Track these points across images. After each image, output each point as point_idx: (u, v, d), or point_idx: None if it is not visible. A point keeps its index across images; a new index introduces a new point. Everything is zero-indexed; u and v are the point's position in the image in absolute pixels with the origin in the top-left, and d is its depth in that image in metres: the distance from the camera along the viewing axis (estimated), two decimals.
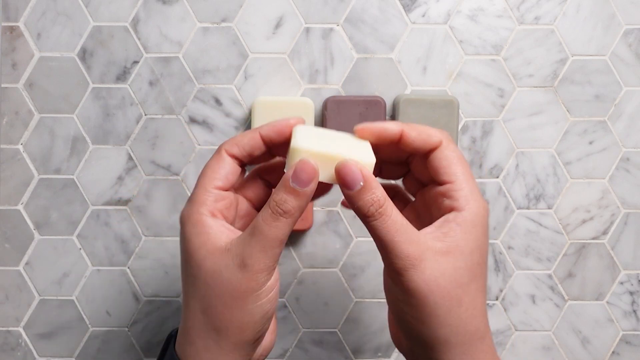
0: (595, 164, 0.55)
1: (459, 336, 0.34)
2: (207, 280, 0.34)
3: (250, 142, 0.36)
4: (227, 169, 0.36)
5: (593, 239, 0.55)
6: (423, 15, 0.54)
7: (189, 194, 0.53)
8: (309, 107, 0.52)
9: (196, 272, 0.35)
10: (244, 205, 0.39)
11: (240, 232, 0.36)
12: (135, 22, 0.54)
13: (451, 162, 0.36)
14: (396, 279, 0.34)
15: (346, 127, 0.51)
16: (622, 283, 0.55)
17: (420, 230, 0.35)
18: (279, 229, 0.34)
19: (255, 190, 0.39)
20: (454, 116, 0.52)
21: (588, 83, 0.54)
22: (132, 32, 0.54)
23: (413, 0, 0.54)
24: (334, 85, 0.54)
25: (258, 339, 0.36)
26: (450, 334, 0.34)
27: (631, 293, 0.55)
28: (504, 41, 0.54)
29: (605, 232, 0.55)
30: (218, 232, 0.35)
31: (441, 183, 0.36)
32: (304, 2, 0.54)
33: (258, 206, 0.40)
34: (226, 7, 0.54)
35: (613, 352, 0.55)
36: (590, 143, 0.55)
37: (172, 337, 0.38)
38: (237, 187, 0.39)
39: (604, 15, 0.54)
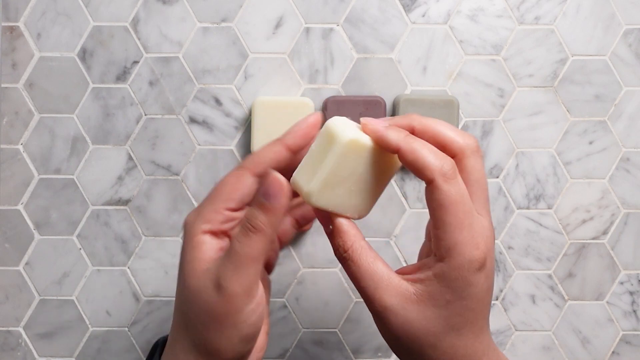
0: (595, 164, 0.55)
1: None
2: (189, 298, 0.33)
3: (275, 156, 0.35)
4: (245, 191, 0.35)
5: (593, 239, 0.55)
6: (423, 15, 0.54)
7: (189, 194, 0.53)
8: (309, 107, 0.52)
9: (182, 287, 0.34)
10: None
11: None
12: (135, 22, 0.54)
13: (442, 208, 0.33)
14: (377, 320, 0.35)
15: None
16: (622, 283, 0.55)
17: (401, 269, 0.35)
18: (251, 247, 0.32)
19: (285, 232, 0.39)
20: (454, 116, 0.52)
21: (588, 83, 0.54)
22: (132, 32, 0.54)
23: (413, 0, 0.54)
24: (334, 85, 0.54)
25: (242, 358, 0.35)
26: None
27: (631, 293, 0.55)
28: (504, 41, 0.54)
29: (605, 232, 0.55)
30: (209, 250, 0.34)
31: (433, 223, 0.34)
32: (304, 2, 0.54)
33: (284, 242, 0.39)
34: (226, 7, 0.54)
35: (613, 352, 0.55)
36: (590, 143, 0.55)
37: (157, 347, 0.37)
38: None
39: (604, 15, 0.54)
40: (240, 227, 0.33)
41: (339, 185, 0.34)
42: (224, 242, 0.35)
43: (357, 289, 0.35)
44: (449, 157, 0.33)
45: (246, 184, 0.35)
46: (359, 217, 0.36)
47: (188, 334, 0.34)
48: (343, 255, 0.34)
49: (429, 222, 0.38)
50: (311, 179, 0.34)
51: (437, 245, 0.33)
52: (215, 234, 0.35)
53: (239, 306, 0.33)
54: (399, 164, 0.35)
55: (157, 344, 0.38)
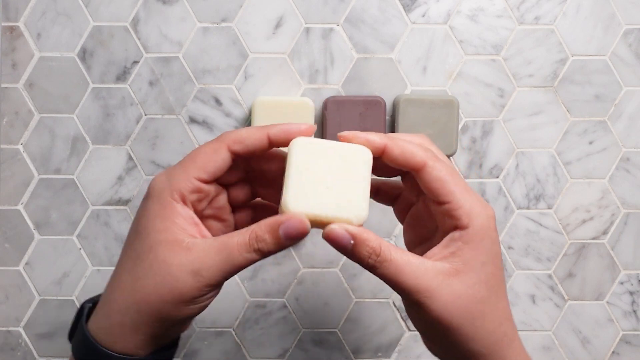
0: (595, 164, 0.55)
1: (490, 346, 0.35)
2: (152, 265, 0.34)
3: (256, 143, 0.35)
4: (219, 165, 0.35)
5: (593, 239, 0.55)
6: (423, 15, 0.54)
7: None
8: (309, 107, 0.52)
9: (144, 251, 0.34)
10: (221, 197, 0.38)
11: (203, 230, 0.36)
12: (135, 22, 0.54)
13: (443, 181, 0.35)
14: (417, 310, 0.35)
15: (346, 127, 0.51)
16: (622, 283, 0.55)
17: (427, 254, 0.35)
18: (247, 260, 0.34)
19: (239, 191, 0.38)
20: (454, 116, 0.52)
21: (588, 83, 0.54)
22: (132, 32, 0.54)
23: (413, 0, 0.54)
24: (334, 85, 0.54)
25: (175, 332, 0.36)
26: (480, 346, 0.35)
27: (631, 293, 0.55)
28: (504, 41, 0.54)
29: (605, 232, 0.55)
30: (184, 223, 0.34)
31: (439, 203, 0.35)
32: (304, 2, 0.54)
33: (235, 203, 0.39)
34: (226, 7, 0.54)
35: (613, 352, 0.55)
36: (590, 143, 0.55)
37: (83, 310, 0.37)
38: (220, 177, 0.37)
39: (604, 15, 0.54)
40: (246, 240, 0.34)
41: (310, 189, 0.34)
42: (191, 213, 0.35)
43: (396, 287, 0.34)
44: (429, 149, 0.36)
45: (221, 158, 0.35)
46: (358, 220, 0.35)
47: (134, 298, 0.34)
48: (376, 260, 0.34)
49: (407, 233, 0.40)
50: (285, 195, 0.34)
51: (454, 215, 0.35)
52: (184, 202, 0.35)
53: (205, 293, 0.34)
54: (368, 156, 0.35)
55: (83, 306, 0.38)
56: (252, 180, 0.39)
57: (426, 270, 0.34)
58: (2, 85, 0.54)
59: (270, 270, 0.54)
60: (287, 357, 0.55)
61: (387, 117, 0.53)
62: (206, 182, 0.35)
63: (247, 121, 0.54)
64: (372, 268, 0.34)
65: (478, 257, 0.34)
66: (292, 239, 0.34)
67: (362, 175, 0.35)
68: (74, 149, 0.54)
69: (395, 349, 0.55)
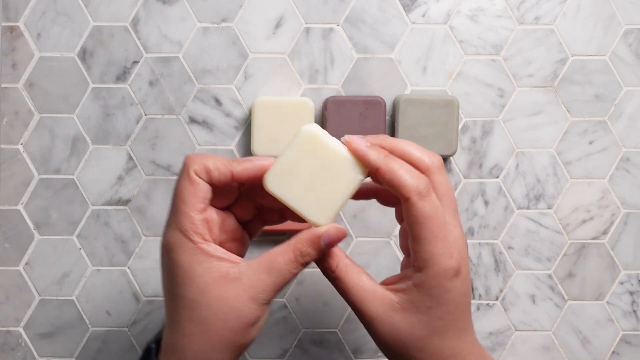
0: (595, 164, 0.55)
1: None
2: (212, 306, 0.35)
3: (221, 177, 0.36)
4: (203, 191, 0.36)
5: (593, 239, 0.55)
6: (423, 15, 0.54)
7: None
8: (309, 107, 0.52)
9: (198, 298, 0.35)
10: (228, 221, 0.39)
11: (234, 255, 0.37)
12: (135, 22, 0.54)
13: (418, 223, 0.35)
14: (367, 329, 0.38)
15: (346, 126, 0.51)
16: (622, 283, 0.55)
17: (388, 278, 0.38)
18: (295, 274, 0.37)
19: (242, 209, 0.40)
20: (454, 116, 0.52)
21: (588, 83, 0.54)
22: (132, 32, 0.54)
23: (413, 0, 0.54)
24: (334, 85, 0.54)
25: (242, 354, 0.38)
26: None
27: (631, 293, 0.55)
28: (504, 41, 0.54)
29: (605, 232, 0.55)
30: (219, 259, 0.36)
31: (410, 237, 0.36)
32: (304, 2, 0.54)
33: (243, 219, 0.40)
34: (226, 7, 0.54)
35: (613, 352, 0.55)
36: (590, 143, 0.55)
37: (150, 350, 0.38)
38: (222, 203, 0.39)
39: (604, 15, 0.54)
40: (292, 257, 0.36)
41: (294, 177, 0.36)
42: (215, 246, 0.37)
43: (347, 303, 0.38)
44: (423, 176, 0.36)
45: (200, 185, 0.36)
46: (317, 223, 0.37)
47: (206, 340, 0.36)
48: (332, 275, 0.37)
49: (401, 239, 0.41)
50: (272, 168, 0.37)
51: (415, 257, 0.36)
52: (204, 239, 0.36)
53: (266, 312, 0.37)
54: (359, 179, 0.37)
55: (149, 348, 0.38)
56: (251, 192, 0.40)
57: (374, 298, 0.37)
58: (2, 85, 0.54)
59: None
60: (287, 357, 0.55)
61: (387, 117, 0.53)
62: (203, 210, 0.36)
63: (247, 121, 0.54)
64: (329, 280, 0.38)
65: (424, 301, 0.36)
66: (332, 246, 0.37)
67: (342, 191, 0.37)
68: (74, 149, 0.54)
69: None
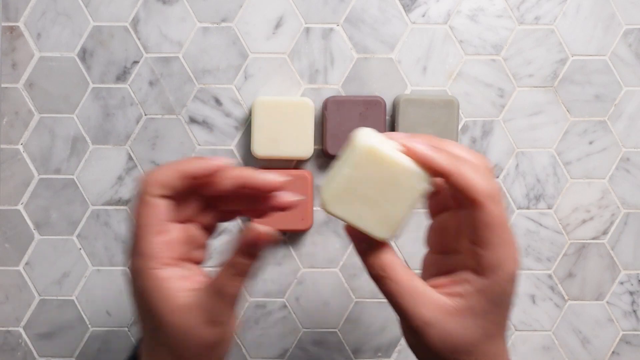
0: (595, 164, 0.55)
1: None
2: (175, 334, 0.35)
3: (177, 184, 0.35)
4: (161, 212, 0.35)
5: (593, 239, 0.55)
6: (423, 15, 0.54)
7: None
8: (309, 107, 0.52)
9: (161, 326, 0.35)
10: (192, 230, 0.38)
11: (195, 276, 0.36)
12: (135, 22, 0.54)
13: (490, 229, 0.34)
14: (414, 335, 0.35)
15: (346, 127, 0.51)
16: (622, 283, 0.55)
17: (435, 281, 0.36)
18: (239, 287, 0.35)
19: (205, 217, 0.38)
20: (454, 116, 0.52)
21: (588, 83, 0.54)
22: (132, 32, 0.54)
23: (413, 0, 0.54)
24: (334, 85, 0.54)
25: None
26: None
27: (631, 293, 0.55)
28: (504, 41, 0.54)
29: (605, 232, 0.55)
30: (175, 286, 0.35)
31: (472, 242, 0.35)
32: (304, 2, 0.54)
33: (208, 226, 0.39)
34: (226, 7, 0.54)
35: (613, 352, 0.55)
36: (590, 143, 0.55)
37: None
38: (183, 217, 0.37)
39: (604, 15, 0.54)
40: (229, 273, 0.35)
41: (355, 195, 0.34)
42: (176, 270, 0.36)
43: (394, 306, 0.35)
44: (494, 179, 0.35)
45: (156, 207, 0.35)
46: (382, 238, 0.35)
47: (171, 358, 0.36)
48: (381, 274, 0.35)
49: (431, 235, 0.39)
50: (329, 187, 0.35)
51: (479, 262, 0.34)
52: (165, 263, 0.35)
53: (229, 332, 0.36)
54: (423, 187, 0.35)
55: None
56: (211, 200, 0.38)
57: (429, 301, 0.35)
58: (2, 85, 0.54)
59: (270, 270, 0.54)
60: (287, 357, 0.55)
61: (387, 117, 0.53)
62: (165, 231, 0.35)
63: (247, 121, 0.54)
64: (376, 279, 0.35)
65: (484, 306, 0.34)
66: (257, 247, 0.35)
67: (407, 204, 0.35)
68: (74, 149, 0.54)
69: (395, 349, 0.55)
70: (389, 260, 0.35)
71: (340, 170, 0.34)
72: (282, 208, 0.37)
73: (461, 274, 0.35)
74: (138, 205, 0.36)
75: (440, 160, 0.34)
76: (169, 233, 0.36)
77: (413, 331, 0.35)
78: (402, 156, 0.34)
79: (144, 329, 0.37)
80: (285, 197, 0.37)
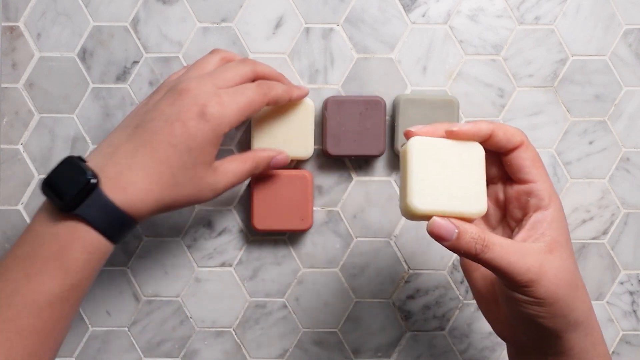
0: (595, 164, 0.55)
1: (585, 313, 0.39)
2: (193, 179, 0.43)
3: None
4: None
5: (593, 239, 0.55)
6: (423, 15, 0.54)
7: None
8: (309, 107, 0.52)
9: (189, 162, 0.43)
10: None
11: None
12: (135, 22, 0.54)
13: (534, 162, 0.39)
14: (524, 291, 0.37)
15: (346, 127, 0.51)
16: (622, 283, 0.55)
17: (517, 237, 0.38)
18: (249, 170, 0.48)
19: None
20: (454, 116, 0.52)
21: (588, 83, 0.54)
22: (132, 32, 0.54)
23: (413, 0, 0.54)
24: (334, 85, 0.54)
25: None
26: (579, 314, 0.38)
27: (631, 293, 0.55)
28: (504, 41, 0.54)
29: (605, 232, 0.55)
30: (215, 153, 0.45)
31: (523, 182, 0.39)
32: (304, 2, 0.54)
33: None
34: (226, 7, 0.54)
35: (613, 352, 0.55)
36: (590, 143, 0.55)
37: (71, 159, 0.42)
38: None
39: (604, 15, 0.54)
40: (249, 165, 0.47)
41: (434, 188, 0.37)
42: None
43: (503, 269, 0.36)
44: None
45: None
46: (479, 212, 0.38)
47: (171, 194, 0.43)
48: (484, 246, 0.37)
49: (505, 192, 0.42)
50: (411, 192, 0.37)
51: (539, 195, 0.39)
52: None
53: (218, 173, 0.45)
54: (482, 153, 0.39)
55: (89, 182, 0.41)
56: None
57: (530, 250, 0.37)
58: (2, 85, 0.54)
59: (270, 270, 0.54)
60: (287, 357, 0.55)
61: (387, 117, 0.53)
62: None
63: (247, 121, 0.54)
64: (479, 254, 0.37)
65: (562, 235, 0.38)
66: (277, 167, 0.50)
67: (479, 171, 0.39)
68: (74, 149, 0.54)
69: (395, 349, 0.55)
70: (480, 231, 0.37)
71: (410, 175, 0.37)
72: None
73: (531, 221, 0.39)
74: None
75: (483, 126, 0.39)
76: None
77: (528, 285, 0.36)
78: (449, 141, 0.39)
79: (165, 145, 0.42)
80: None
